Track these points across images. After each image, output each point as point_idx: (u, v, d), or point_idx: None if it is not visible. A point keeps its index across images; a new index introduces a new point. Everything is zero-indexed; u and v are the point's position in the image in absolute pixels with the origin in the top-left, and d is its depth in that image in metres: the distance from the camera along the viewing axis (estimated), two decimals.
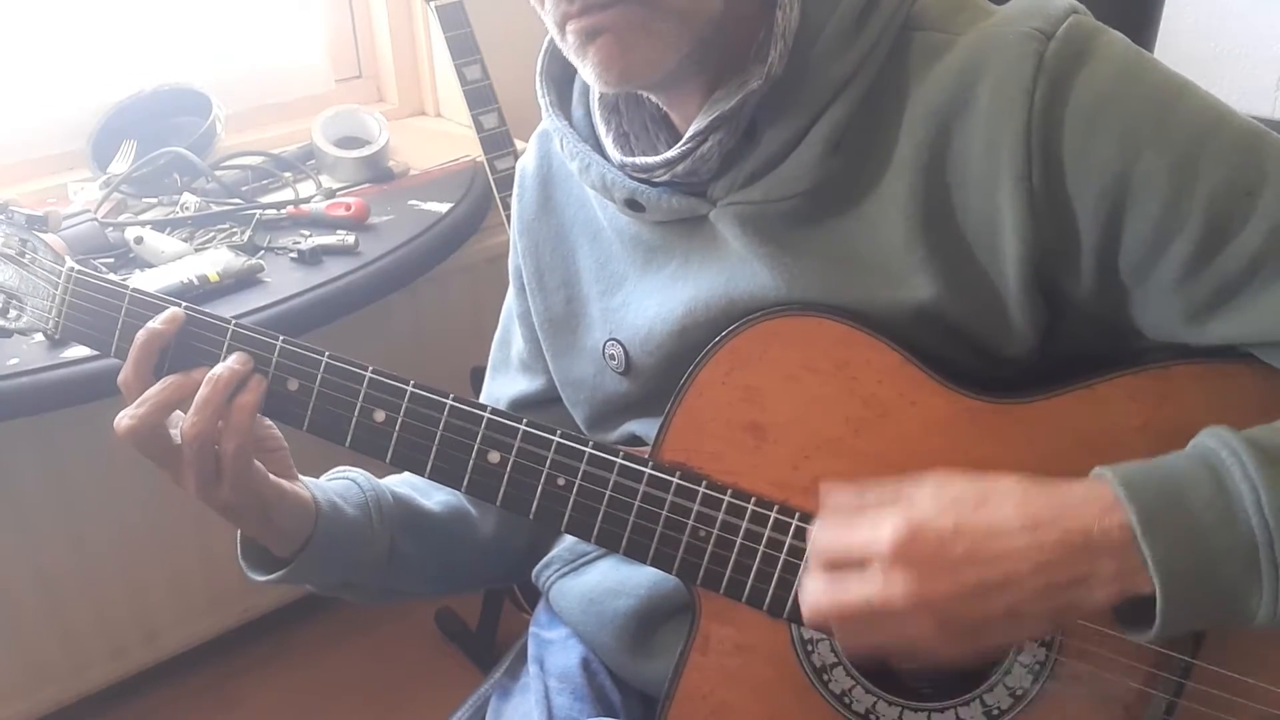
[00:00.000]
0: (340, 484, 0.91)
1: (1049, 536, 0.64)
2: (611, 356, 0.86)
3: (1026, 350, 0.75)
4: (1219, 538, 0.63)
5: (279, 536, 0.84)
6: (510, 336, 1.01)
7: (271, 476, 0.81)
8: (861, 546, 0.67)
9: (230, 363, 0.78)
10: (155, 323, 0.79)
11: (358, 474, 0.92)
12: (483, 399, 1.03)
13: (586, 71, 0.72)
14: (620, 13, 0.69)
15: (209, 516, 0.82)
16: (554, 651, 0.97)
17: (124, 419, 0.77)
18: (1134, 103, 0.68)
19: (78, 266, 0.83)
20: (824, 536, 0.70)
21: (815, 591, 0.69)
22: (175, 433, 0.78)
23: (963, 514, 0.66)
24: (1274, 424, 0.67)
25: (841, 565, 0.68)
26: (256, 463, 0.80)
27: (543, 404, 0.97)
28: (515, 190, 0.94)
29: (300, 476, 0.87)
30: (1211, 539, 0.63)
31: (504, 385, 1.01)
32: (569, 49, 0.73)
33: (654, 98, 0.79)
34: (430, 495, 0.96)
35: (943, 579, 0.65)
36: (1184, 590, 0.63)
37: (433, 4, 1.69)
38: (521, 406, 0.98)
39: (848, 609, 0.67)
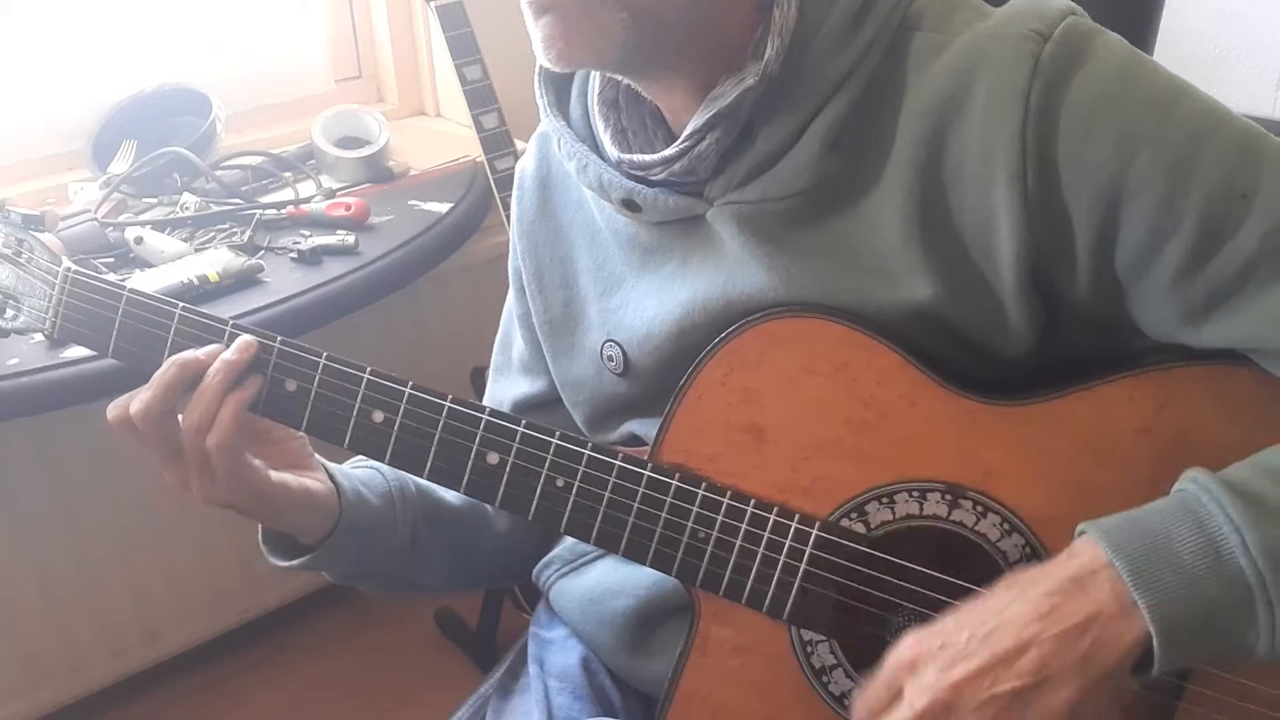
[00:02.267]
0: (364, 472, 0.91)
1: (1038, 591, 0.66)
2: (609, 358, 0.86)
3: (1025, 351, 0.75)
4: (1209, 582, 0.63)
5: (294, 531, 0.84)
6: (511, 339, 1.01)
7: (273, 476, 0.81)
8: (888, 678, 0.69)
9: (230, 354, 0.78)
10: (200, 352, 0.78)
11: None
12: (486, 402, 1.03)
13: (535, 47, 0.73)
14: None
15: (209, 517, 0.82)
16: (554, 651, 0.97)
17: (135, 404, 0.77)
18: (1130, 104, 0.68)
19: (74, 267, 0.83)
20: (858, 699, 0.71)
21: None
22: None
23: (958, 613, 0.68)
24: (1253, 458, 0.68)
25: (882, 708, 0.69)
26: (254, 462, 0.80)
27: (545, 405, 0.97)
28: (515, 192, 0.94)
29: (326, 463, 0.87)
30: (1202, 584, 0.63)
31: (506, 387, 1.01)
32: (526, 17, 0.73)
33: (641, 90, 0.79)
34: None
35: (958, 665, 0.66)
36: (1181, 635, 0.64)
37: (433, 4, 1.69)
38: (524, 408, 0.98)
39: None
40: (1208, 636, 0.64)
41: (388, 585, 0.94)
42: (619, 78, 0.79)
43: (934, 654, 0.67)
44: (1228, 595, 0.63)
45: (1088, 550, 0.66)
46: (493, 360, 1.03)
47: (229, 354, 0.78)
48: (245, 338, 0.79)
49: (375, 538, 0.88)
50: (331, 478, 0.86)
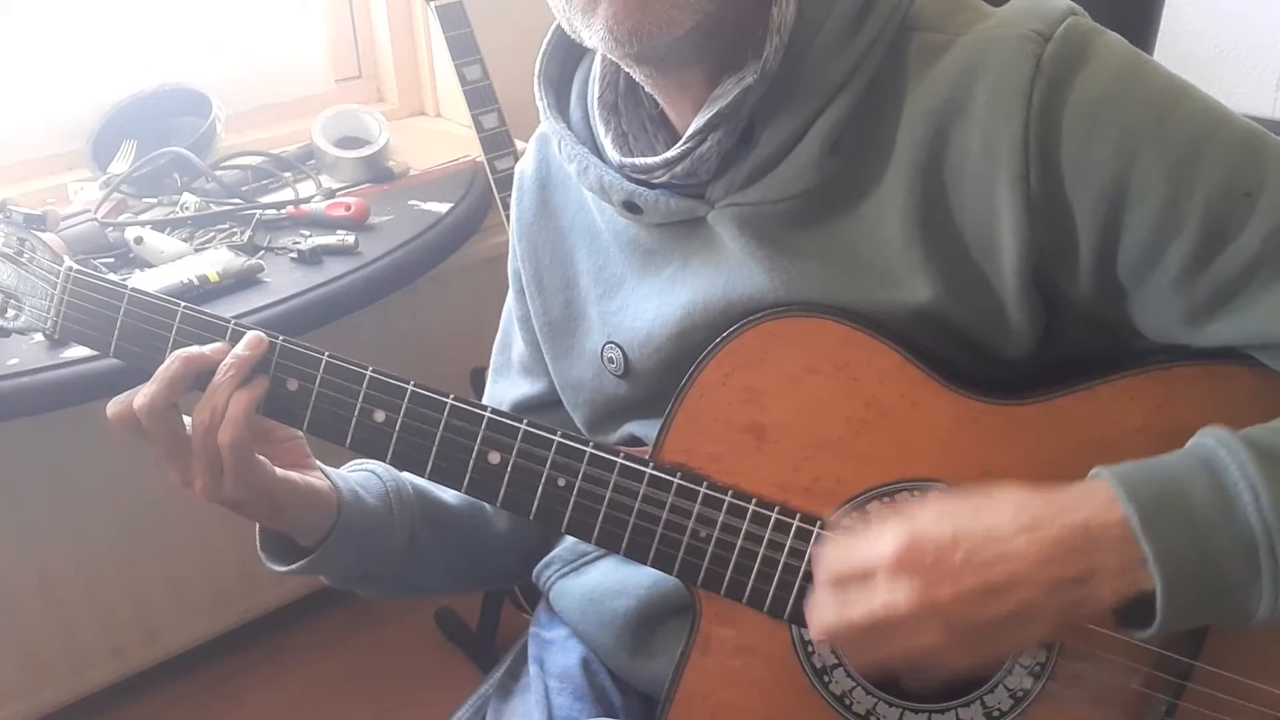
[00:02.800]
0: (360, 475, 0.91)
1: (1047, 533, 0.65)
2: (610, 359, 0.86)
3: (1026, 351, 0.75)
4: (1219, 535, 0.63)
5: (296, 529, 0.84)
6: (511, 340, 1.01)
7: (279, 472, 0.81)
8: (864, 560, 0.68)
9: (240, 349, 0.78)
10: (207, 348, 0.78)
11: (377, 465, 0.92)
12: (485, 403, 1.03)
13: (594, 31, 0.70)
14: None
15: (209, 517, 0.82)
16: (554, 651, 0.97)
17: (140, 398, 0.76)
18: (1132, 104, 0.68)
19: (76, 266, 0.83)
20: (828, 554, 0.70)
21: (822, 609, 0.69)
22: (187, 420, 0.78)
23: (960, 522, 0.66)
24: (1271, 423, 0.67)
25: (846, 581, 0.68)
26: (261, 459, 0.80)
27: (545, 407, 0.97)
28: (514, 194, 0.94)
29: (321, 465, 0.87)
30: (1211, 536, 0.63)
31: (506, 389, 1.01)
32: (574, 10, 0.71)
33: (650, 88, 0.79)
34: (446, 488, 0.96)
35: (946, 585, 0.65)
36: (1185, 587, 0.63)
37: (433, 4, 1.69)
38: (524, 410, 0.98)
39: (855, 623, 0.67)
40: (1210, 592, 0.64)
41: (386, 588, 0.94)
42: (641, 72, 0.77)
43: (924, 565, 0.65)
44: (1234, 551, 0.63)
45: (1101, 494, 0.65)
46: (492, 361, 1.03)
47: (240, 349, 0.78)
48: (254, 333, 0.79)
49: (373, 539, 0.88)
50: (328, 479, 0.86)
